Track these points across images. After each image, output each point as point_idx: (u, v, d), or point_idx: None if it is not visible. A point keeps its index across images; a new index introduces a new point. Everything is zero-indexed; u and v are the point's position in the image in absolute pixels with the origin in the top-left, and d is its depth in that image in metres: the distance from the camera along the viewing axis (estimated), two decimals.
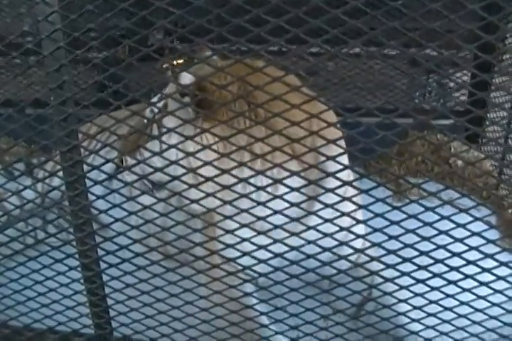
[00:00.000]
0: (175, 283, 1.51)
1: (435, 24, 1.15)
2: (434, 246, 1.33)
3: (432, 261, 1.35)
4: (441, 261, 1.35)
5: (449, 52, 1.30)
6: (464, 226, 1.30)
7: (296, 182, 1.32)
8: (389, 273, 1.39)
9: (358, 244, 1.41)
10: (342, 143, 1.44)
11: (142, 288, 1.56)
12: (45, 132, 1.42)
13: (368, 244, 1.40)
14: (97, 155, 1.45)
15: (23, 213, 1.83)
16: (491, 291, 1.38)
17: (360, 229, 1.41)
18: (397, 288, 1.42)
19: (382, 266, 1.39)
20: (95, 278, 1.59)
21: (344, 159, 1.53)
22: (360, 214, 1.44)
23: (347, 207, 1.32)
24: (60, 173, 1.47)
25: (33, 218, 1.74)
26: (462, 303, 1.42)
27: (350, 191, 1.34)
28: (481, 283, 1.37)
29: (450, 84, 3.57)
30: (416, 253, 1.34)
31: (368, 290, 1.53)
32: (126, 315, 1.62)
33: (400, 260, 1.36)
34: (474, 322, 1.45)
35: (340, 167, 1.28)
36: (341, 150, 1.30)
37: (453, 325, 1.46)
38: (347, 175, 1.34)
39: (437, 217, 1.30)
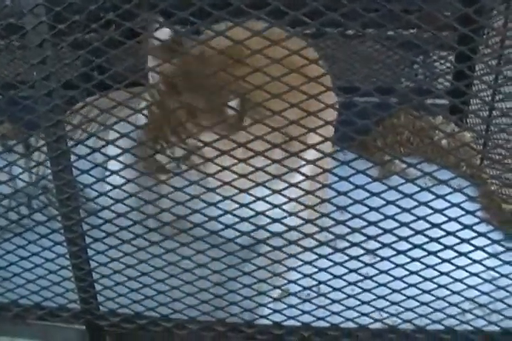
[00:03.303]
0: (159, 257, 1.53)
1: None
2: (414, 218, 1.35)
3: (412, 232, 1.37)
4: (422, 232, 1.37)
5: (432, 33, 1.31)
6: (443, 197, 1.32)
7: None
8: (370, 244, 1.42)
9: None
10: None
11: (127, 262, 1.58)
12: (31, 111, 1.43)
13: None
14: (83, 130, 1.46)
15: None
16: (470, 261, 1.42)
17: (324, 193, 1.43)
18: (378, 259, 1.44)
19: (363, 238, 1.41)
20: (80, 253, 1.60)
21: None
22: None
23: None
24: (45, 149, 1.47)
25: (18, 194, 1.74)
26: (442, 273, 1.44)
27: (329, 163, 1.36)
28: (460, 254, 1.40)
29: (435, 63, 3.59)
30: (396, 224, 1.37)
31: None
32: (111, 289, 1.64)
33: (381, 231, 1.39)
34: (454, 292, 1.49)
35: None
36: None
37: (433, 295, 1.49)
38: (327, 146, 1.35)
39: (418, 189, 1.32)
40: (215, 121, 1.43)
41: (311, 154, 1.33)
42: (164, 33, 1.52)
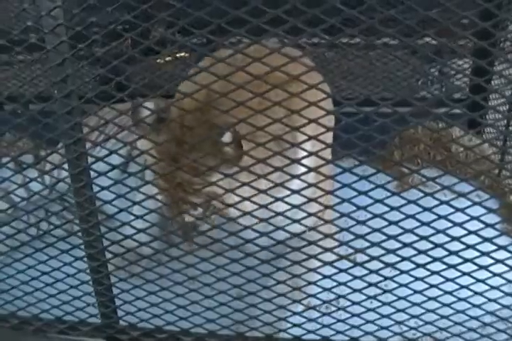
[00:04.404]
0: (179, 271, 1.54)
1: (432, 12, 1.17)
2: (433, 231, 1.35)
3: (431, 246, 1.37)
4: (441, 246, 1.37)
5: (449, 41, 1.32)
6: (463, 210, 1.32)
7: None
8: (389, 258, 1.42)
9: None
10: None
11: (147, 277, 1.59)
12: (49, 126, 1.45)
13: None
14: (102, 147, 1.48)
15: (28, 205, 1.85)
16: (490, 275, 1.41)
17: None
18: (397, 272, 1.44)
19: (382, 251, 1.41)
20: (101, 268, 1.61)
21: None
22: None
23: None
24: (66, 165, 1.49)
25: (37, 209, 1.76)
26: (462, 287, 1.44)
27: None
28: (481, 267, 1.40)
29: (452, 73, 3.58)
30: (416, 238, 1.36)
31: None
32: (131, 303, 1.65)
33: (400, 245, 1.38)
34: (474, 305, 1.48)
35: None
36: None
37: (453, 309, 1.48)
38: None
39: (437, 203, 1.32)
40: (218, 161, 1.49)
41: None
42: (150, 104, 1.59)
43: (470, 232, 1.34)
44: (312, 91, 1.25)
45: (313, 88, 1.25)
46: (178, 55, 4.04)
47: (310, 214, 1.39)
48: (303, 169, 1.33)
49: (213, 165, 1.43)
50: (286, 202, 1.36)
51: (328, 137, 1.47)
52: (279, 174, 1.34)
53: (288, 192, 1.35)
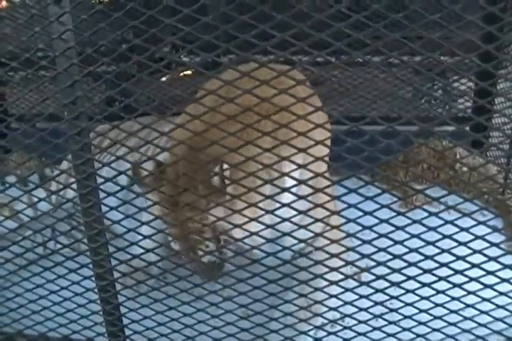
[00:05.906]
0: (186, 291, 1.55)
1: (435, 34, 1.19)
2: (439, 251, 1.36)
3: (436, 265, 1.38)
4: (446, 265, 1.38)
5: (452, 60, 1.33)
6: (467, 230, 1.33)
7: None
8: (394, 277, 1.42)
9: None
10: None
11: (154, 296, 1.60)
12: (56, 145, 1.47)
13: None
14: (110, 167, 1.50)
15: (35, 223, 1.86)
16: (496, 293, 1.42)
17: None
18: (403, 291, 1.45)
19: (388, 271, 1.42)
20: (109, 287, 1.62)
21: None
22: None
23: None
24: (74, 185, 1.51)
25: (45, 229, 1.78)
26: (468, 306, 1.44)
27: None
28: (486, 286, 1.40)
29: (455, 91, 3.60)
30: (421, 257, 1.37)
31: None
32: (139, 322, 1.66)
33: (405, 264, 1.39)
34: (480, 325, 1.48)
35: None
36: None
37: (459, 328, 1.49)
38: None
39: (442, 222, 1.33)
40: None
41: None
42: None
43: (475, 251, 1.35)
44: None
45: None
46: (182, 74, 4.08)
47: (316, 234, 1.40)
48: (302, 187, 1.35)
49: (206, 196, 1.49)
50: (291, 222, 1.37)
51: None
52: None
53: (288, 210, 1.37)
